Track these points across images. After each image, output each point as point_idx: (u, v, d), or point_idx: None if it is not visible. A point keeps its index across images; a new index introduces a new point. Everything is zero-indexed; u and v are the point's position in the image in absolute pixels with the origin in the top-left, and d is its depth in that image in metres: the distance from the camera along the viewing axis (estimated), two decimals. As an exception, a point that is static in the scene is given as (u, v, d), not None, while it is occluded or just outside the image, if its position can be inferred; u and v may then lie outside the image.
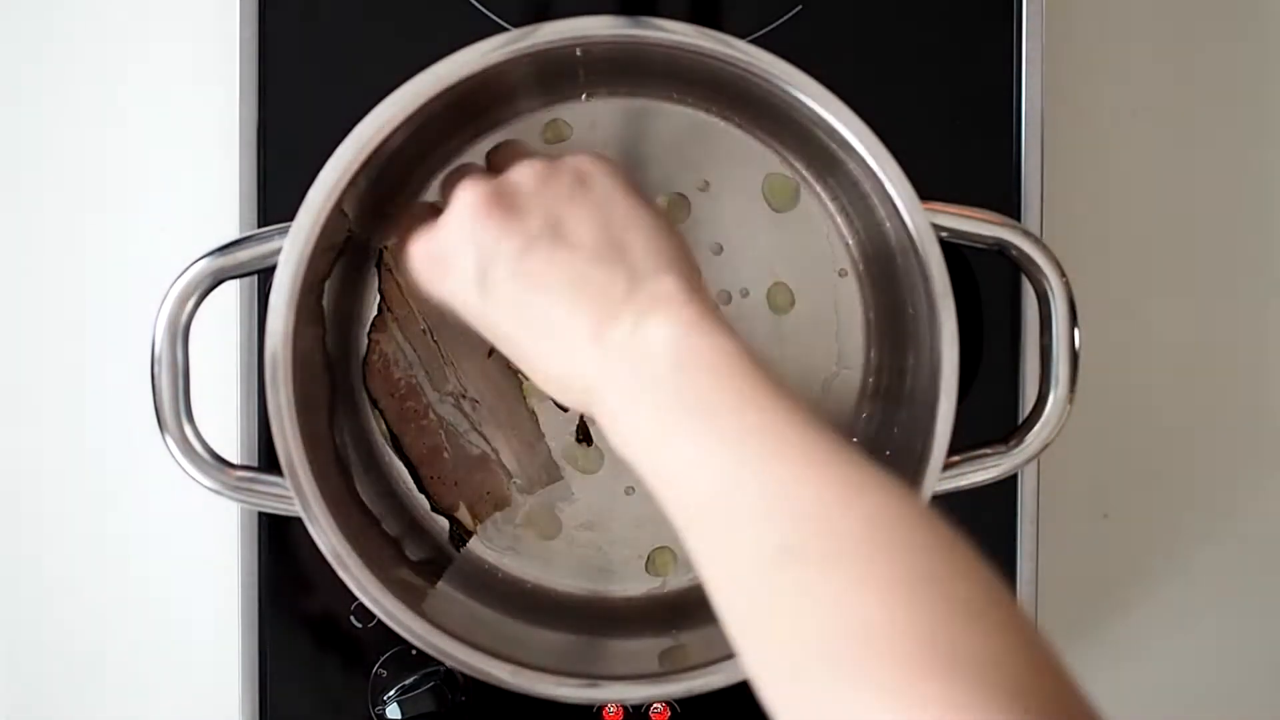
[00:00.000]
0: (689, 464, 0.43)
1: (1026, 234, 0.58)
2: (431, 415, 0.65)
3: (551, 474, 0.66)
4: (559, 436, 0.66)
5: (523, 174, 0.51)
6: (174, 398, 0.56)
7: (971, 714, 0.33)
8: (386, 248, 0.64)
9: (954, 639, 0.35)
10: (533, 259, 0.49)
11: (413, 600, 0.57)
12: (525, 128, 0.64)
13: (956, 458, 0.58)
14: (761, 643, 0.40)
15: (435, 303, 0.53)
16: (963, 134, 0.66)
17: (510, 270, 0.49)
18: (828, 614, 0.37)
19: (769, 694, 0.38)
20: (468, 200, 0.50)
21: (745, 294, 0.65)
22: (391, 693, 0.64)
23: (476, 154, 0.63)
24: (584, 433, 0.66)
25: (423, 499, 0.65)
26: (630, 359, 0.46)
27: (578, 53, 0.57)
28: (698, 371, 0.45)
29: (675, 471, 0.44)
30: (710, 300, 0.48)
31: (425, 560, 0.64)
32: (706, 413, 0.44)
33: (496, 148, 0.60)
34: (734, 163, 0.65)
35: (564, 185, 0.51)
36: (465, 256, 0.50)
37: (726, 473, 0.42)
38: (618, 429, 0.47)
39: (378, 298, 0.64)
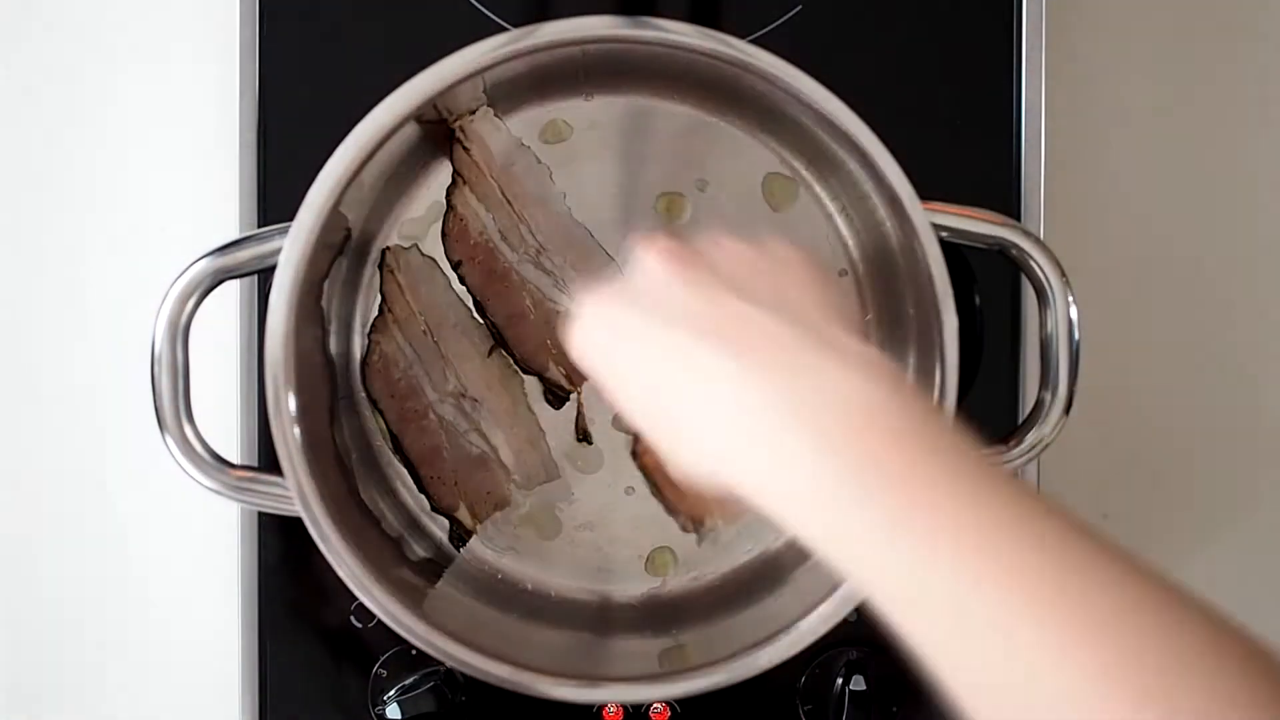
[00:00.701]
0: (893, 561, 0.36)
1: (1026, 234, 0.58)
2: (431, 415, 0.65)
3: (550, 472, 0.66)
4: (559, 436, 0.66)
5: (724, 247, 0.47)
6: (174, 398, 0.56)
7: None
8: (389, 248, 0.64)
9: None
10: (703, 307, 0.43)
11: (413, 600, 0.57)
12: (526, 127, 0.64)
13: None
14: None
15: (597, 379, 0.46)
16: (963, 134, 0.66)
17: (681, 318, 0.43)
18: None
19: None
20: (648, 249, 0.45)
21: (745, 294, 0.65)
22: (391, 693, 0.64)
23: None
24: (584, 432, 0.66)
25: (423, 499, 0.65)
26: (819, 409, 0.39)
27: (579, 53, 0.57)
28: (925, 440, 0.37)
29: (877, 564, 0.37)
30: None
31: (425, 560, 0.64)
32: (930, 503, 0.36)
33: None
34: (734, 163, 0.65)
35: (752, 252, 0.46)
36: (635, 313, 0.44)
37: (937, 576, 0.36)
38: (787, 499, 0.39)
39: (378, 299, 0.64)
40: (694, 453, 0.43)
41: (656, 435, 0.44)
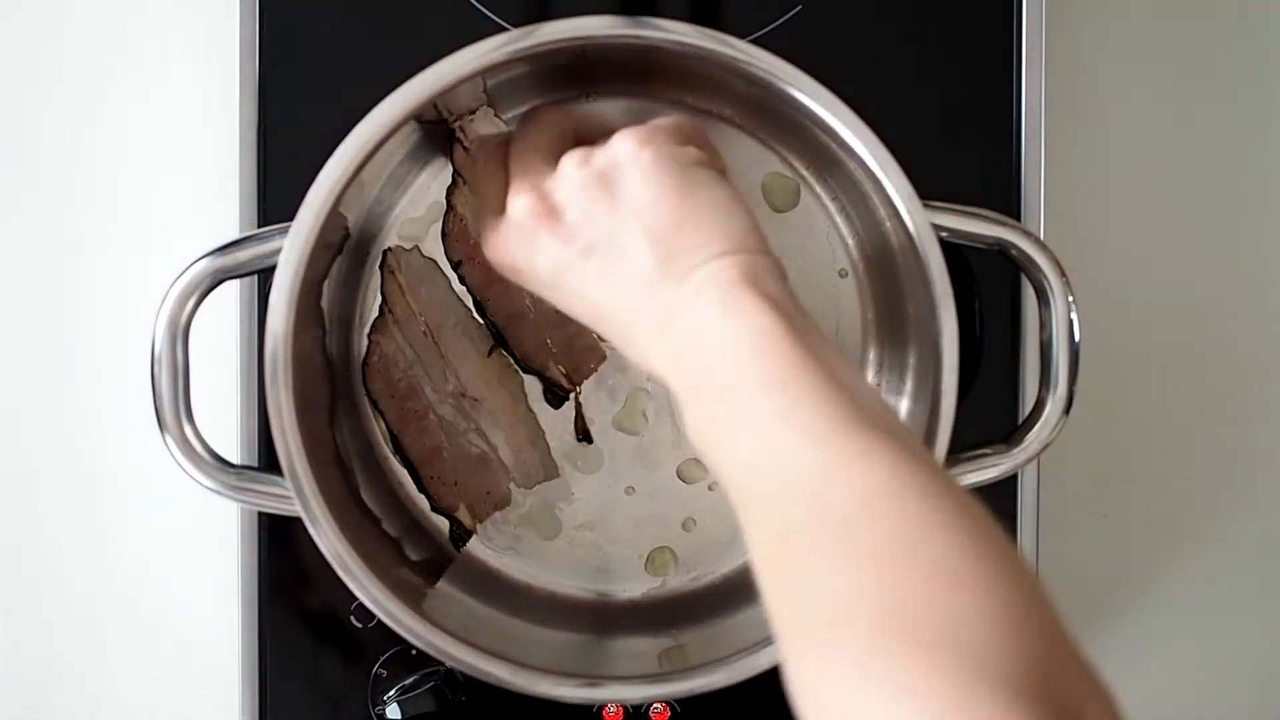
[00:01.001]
0: (729, 453, 0.46)
1: (1026, 234, 0.58)
2: (431, 415, 0.65)
3: (549, 471, 0.66)
4: (559, 436, 0.66)
5: (566, 180, 0.53)
6: (174, 398, 0.56)
7: (929, 682, 0.34)
8: (390, 250, 0.64)
9: (918, 607, 0.36)
10: (591, 265, 0.52)
11: (413, 600, 0.57)
12: (525, 128, 0.64)
13: (956, 458, 0.58)
14: (773, 619, 0.42)
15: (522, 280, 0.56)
16: (963, 134, 0.66)
17: (575, 275, 0.52)
18: (810, 592, 0.39)
19: (784, 667, 0.40)
20: (521, 207, 0.54)
21: (745, 294, 0.65)
22: (391, 693, 0.64)
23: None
24: (584, 432, 0.66)
25: (423, 499, 0.65)
26: (681, 353, 0.49)
27: (579, 52, 0.57)
28: (737, 358, 0.46)
29: (720, 459, 0.46)
30: (761, 263, 0.50)
31: (425, 560, 0.64)
32: (742, 402, 0.45)
33: (532, 112, 0.61)
34: (734, 163, 0.65)
35: (603, 190, 0.52)
36: (532, 263, 0.54)
37: (755, 459, 0.44)
38: (684, 423, 0.49)
39: (378, 299, 0.64)
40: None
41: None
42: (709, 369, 0.47)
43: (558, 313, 0.64)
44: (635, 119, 0.64)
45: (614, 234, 0.51)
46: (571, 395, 0.65)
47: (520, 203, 0.54)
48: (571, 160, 0.54)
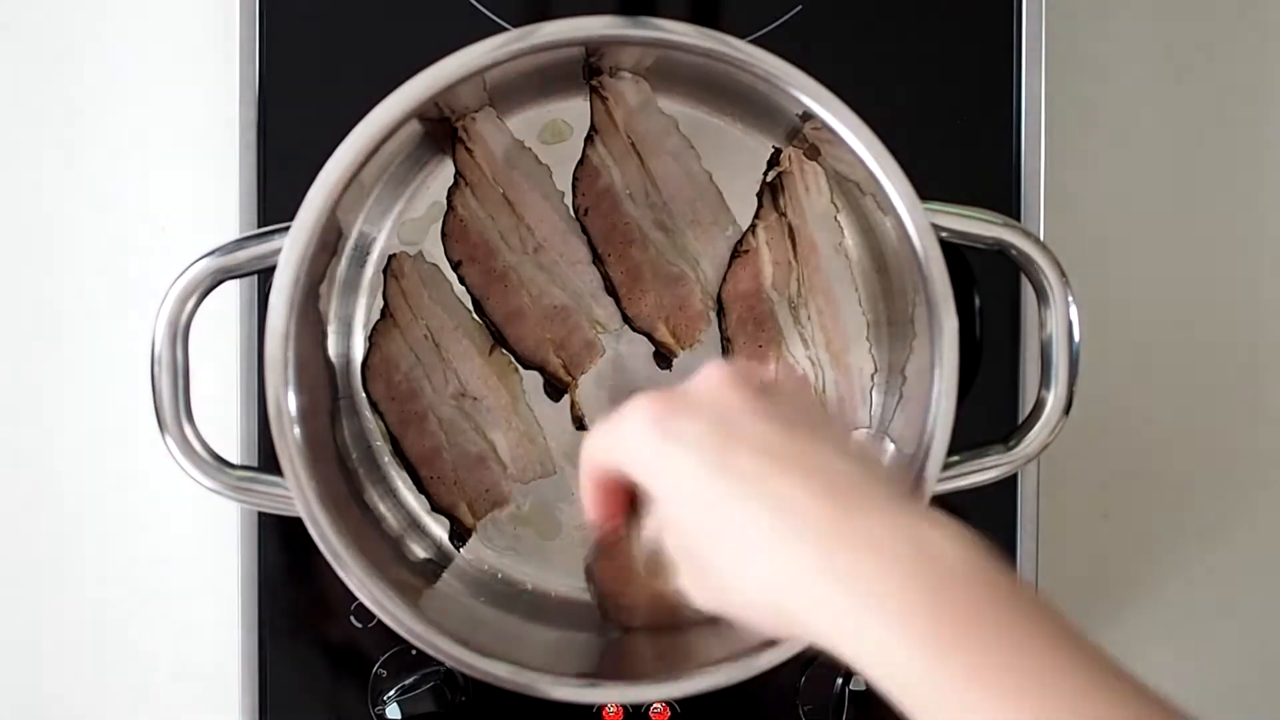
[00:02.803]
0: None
1: (1026, 234, 0.58)
2: (432, 417, 0.65)
3: (546, 467, 0.66)
4: (559, 437, 0.66)
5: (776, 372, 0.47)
6: (174, 398, 0.56)
7: None
8: (394, 256, 0.64)
9: None
10: (785, 442, 0.41)
11: (412, 600, 0.57)
12: (525, 127, 0.64)
13: (956, 458, 0.58)
14: None
15: (642, 478, 0.43)
16: (963, 134, 0.66)
17: (762, 447, 0.41)
18: None
19: None
20: (725, 370, 0.44)
21: (745, 294, 0.65)
22: (391, 693, 0.64)
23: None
24: (579, 420, 0.66)
25: (422, 499, 0.65)
26: (897, 563, 0.38)
27: (579, 52, 0.57)
28: (978, 588, 0.37)
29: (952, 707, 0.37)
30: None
31: (425, 560, 0.64)
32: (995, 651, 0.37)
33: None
34: (734, 163, 0.65)
35: (809, 406, 0.46)
36: (704, 427, 0.42)
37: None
38: (868, 653, 0.38)
39: (378, 300, 0.64)
40: (738, 579, 0.41)
41: (694, 549, 0.42)
42: (939, 592, 0.38)
43: (555, 308, 0.64)
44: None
45: (818, 422, 0.44)
46: (569, 387, 0.65)
47: (727, 370, 0.44)
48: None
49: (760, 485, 0.40)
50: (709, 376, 0.44)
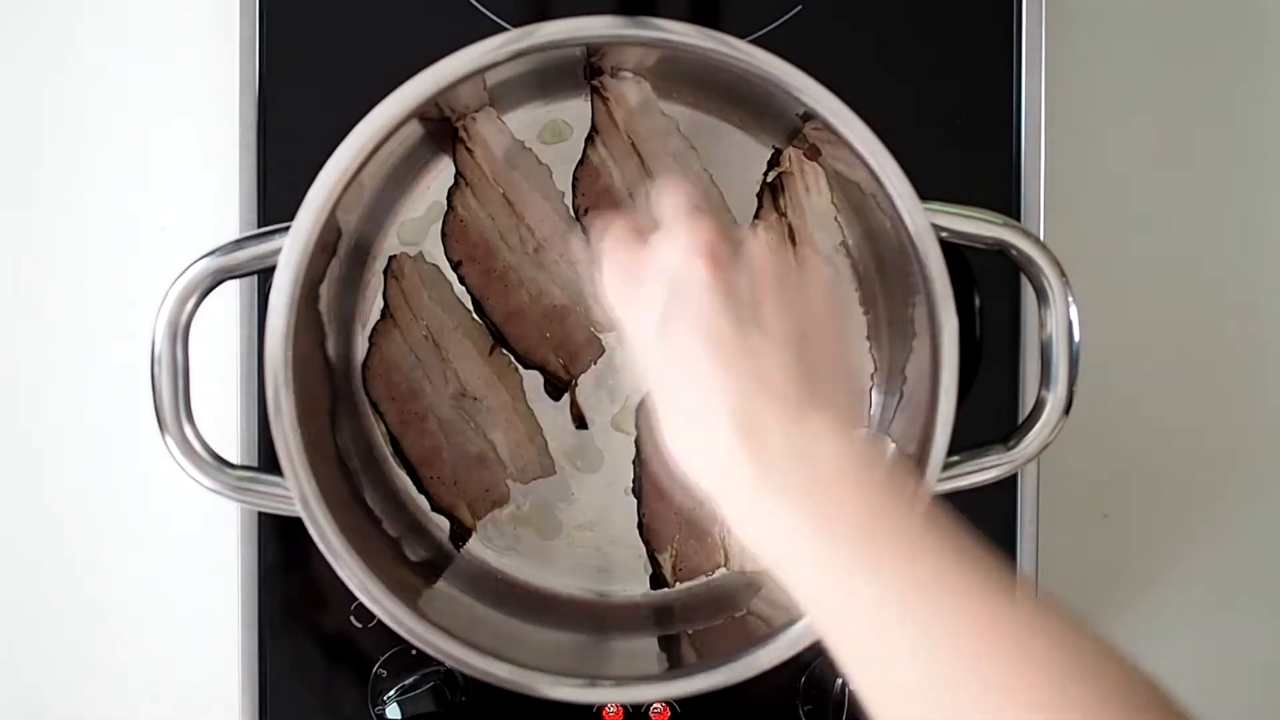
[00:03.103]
0: (843, 590, 0.42)
1: (1026, 234, 0.58)
2: (432, 417, 0.65)
3: (545, 467, 0.66)
4: (559, 436, 0.66)
5: (755, 244, 0.49)
6: (174, 398, 0.56)
7: None
8: (394, 258, 0.64)
9: None
10: (726, 325, 0.46)
11: (412, 600, 0.57)
12: (525, 127, 0.64)
13: (956, 458, 0.58)
14: None
15: (611, 316, 0.50)
16: (963, 134, 0.66)
17: (702, 327, 0.46)
18: None
19: None
20: (693, 236, 0.47)
21: (745, 294, 0.65)
22: (391, 693, 0.64)
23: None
24: (580, 419, 0.66)
25: (423, 499, 0.65)
26: (792, 461, 0.44)
27: (579, 52, 0.57)
28: (860, 492, 0.43)
29: (822, 588, 0.43)
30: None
31: (425, 560, 0.64)
32: (865, 540, 0.42)
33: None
34: (734, 163, 0.65)
35: (783, 275, 0.48)
36: (660, 290, 0.47)
37: (882, 610, 0.42)
38: (756, 525, 0.45)
39: (378, 300, 0.64)
40: (677, 454, 0.47)
41: (655, 397, 0.48)
42: (821, 487, 0.44)
43: (554, 308, 0.64)
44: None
45: (766, 310, 0.47)
46: (569, 386, 0.65)
47: (698, 232, 0.47)
48: (755, 232, 0.52)
49: (692, 366, 0.45)
50: (677, 237, 0.48)
